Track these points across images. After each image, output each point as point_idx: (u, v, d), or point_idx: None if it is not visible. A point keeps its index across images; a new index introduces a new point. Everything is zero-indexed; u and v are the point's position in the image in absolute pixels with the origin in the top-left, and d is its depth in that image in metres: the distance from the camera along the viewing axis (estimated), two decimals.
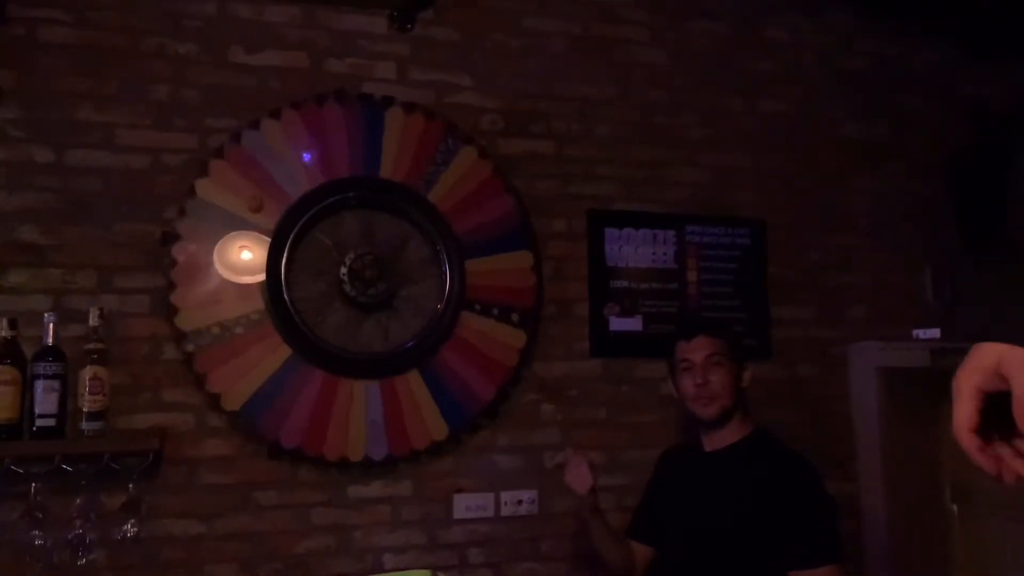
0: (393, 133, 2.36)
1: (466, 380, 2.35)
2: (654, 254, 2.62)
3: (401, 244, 2.37)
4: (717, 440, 1.98)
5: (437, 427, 2.32)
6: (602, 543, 2.09)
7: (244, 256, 2.21)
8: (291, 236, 2.24)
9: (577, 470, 2.04)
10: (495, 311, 2.40)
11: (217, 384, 2.15)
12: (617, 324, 2.56)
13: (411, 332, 2.33)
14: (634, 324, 2.57)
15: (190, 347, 2.14)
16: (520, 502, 2.40)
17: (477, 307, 2.38)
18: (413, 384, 2.31)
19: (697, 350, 1.98)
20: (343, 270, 2.28)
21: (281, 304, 2.21)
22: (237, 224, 2.22)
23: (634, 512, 2.20)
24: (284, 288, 2.22)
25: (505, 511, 2.39)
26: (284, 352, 2.21)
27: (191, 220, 2.19)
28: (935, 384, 2.83)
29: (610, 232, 2.58)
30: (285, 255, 2.22)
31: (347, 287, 2.27)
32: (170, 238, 2.16)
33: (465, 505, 2.36)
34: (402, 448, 2.28)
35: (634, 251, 2.60)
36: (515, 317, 2.40)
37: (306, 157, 2.29)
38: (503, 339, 2.39)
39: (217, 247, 2.19)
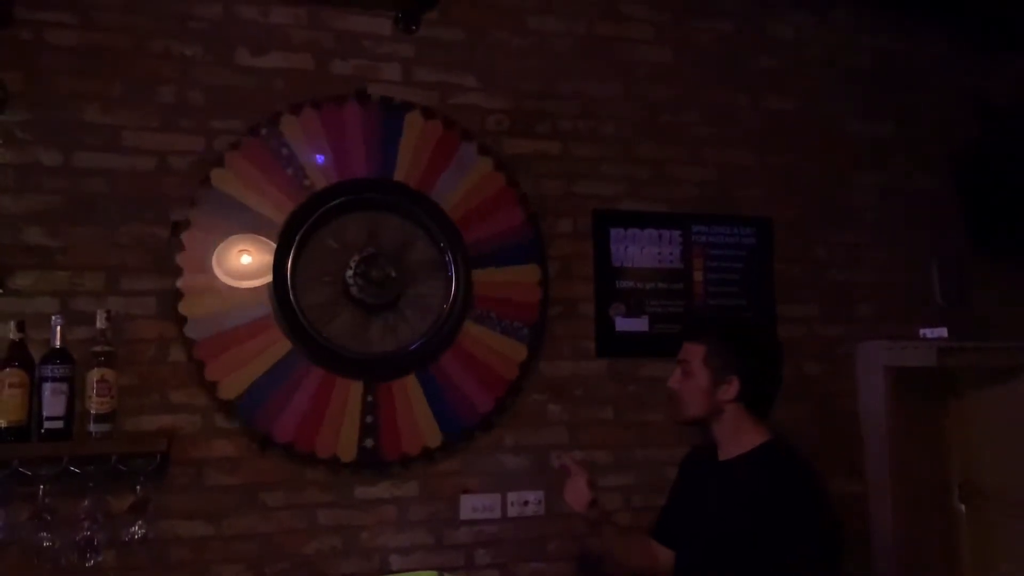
0: (410, 139, 2.37)
1: (464, 390, 2.35)
2: (660, 254, 2.62)
3: (407, 246, 2.37)
4: (724, 449, 1.92)
5: (431, 433, 2.31)
6: (617, 549, 2.08)
7: (244, 260, 2.22)
8: (297, 236, 2.25)
9: (574, 485, 2.02)
10: (499, 322, 2.40)
11: (215, 373, 2.16)
12: (623, 324, 2.55)
13: (417, 334, 2.33)
14: (640, 324, 2.57)
15: (192, 335, 2.15)
16: (527, 503, 2.40)
17: (481, 317, 2.38)
18: (410, 389, 2.31)
19: (680, 355, 1.94)
20: (348, 272, 2.28)
21: (287, 304, 2.22)
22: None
23: (660, 512, 2.14)
24: (290, 289, 2.23)
25: (512, 512, 2.39)
26: (284, 346, 2.22)
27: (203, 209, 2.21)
28: (942, 383, 2.83)
29: (616, 232, 2.58)
30: (291, 255, 2.24)
31: (353, 288, 2.28)
32: (180, 227, 2.18)
33: (472, 506, 2.37)
34: (394, 451, 2.28)
35: (640, 251, 2.60)
36: (519, 330, 2.40)
37: (319, 159, 2.30)
38: (504, 351, 2.39)
39: (215, 252, 2.20)
